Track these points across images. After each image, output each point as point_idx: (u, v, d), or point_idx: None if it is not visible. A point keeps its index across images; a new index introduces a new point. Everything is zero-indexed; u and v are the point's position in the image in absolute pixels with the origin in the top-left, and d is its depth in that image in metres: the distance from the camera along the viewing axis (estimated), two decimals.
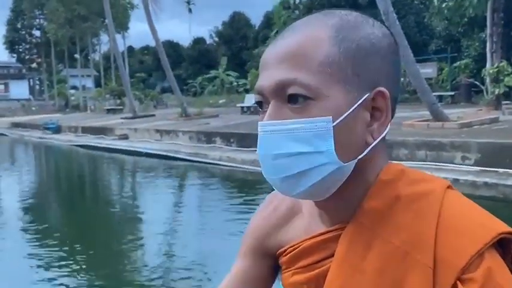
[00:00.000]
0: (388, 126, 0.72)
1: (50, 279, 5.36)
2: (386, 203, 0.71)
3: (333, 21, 0.71)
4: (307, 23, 0.72)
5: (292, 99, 0.68)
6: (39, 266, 5.73)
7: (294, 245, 0.80)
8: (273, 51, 0.71)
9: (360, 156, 0.70)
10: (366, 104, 0.70)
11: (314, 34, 0.70)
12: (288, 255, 0.81)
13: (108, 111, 30.58)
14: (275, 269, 0.89)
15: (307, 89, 0.67)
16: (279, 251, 0.84)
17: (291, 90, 0.68)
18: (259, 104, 0.73)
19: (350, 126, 0.68)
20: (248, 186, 10.08)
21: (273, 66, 0.70)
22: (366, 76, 0.70)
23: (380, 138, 0.72)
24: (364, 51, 0.70)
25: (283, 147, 0.68)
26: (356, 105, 0.69)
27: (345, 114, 0.68)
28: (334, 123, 0.67)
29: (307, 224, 0.82)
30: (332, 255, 0.73)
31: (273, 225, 0.87)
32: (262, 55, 0.74)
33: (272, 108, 0.70)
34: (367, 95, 0.70)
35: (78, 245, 6.58)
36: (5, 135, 28.86)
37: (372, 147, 0.71)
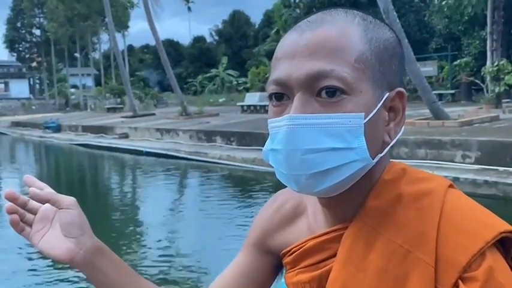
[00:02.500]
0: (403, 126, 0.73)
1: (51, 277, 5.37)
2: (389, 202, 0.71)
3: (357, 20, 0.71)
4: (333, 17, 0.71)
5: (328, 92, 0.66)
6: (39, 264, 5.73)
7: (298, 245, 0.81)
8: (301, 42, 0.68)
9: (381, 155, 0.70)
10: (385, 104, 0.71)
11: (345, 29, 0.69)
12: (293, 255, 0.81)
13: (109, 110, 30.55)
14: (276, 268, 0.89)
15: (344, 83, 0.66)
16: (284, 251, 0.84)
17: (327, 82, 0.66)
18: (276, 95, 0.70)
19: (374, 124, 0.69)
20: (248, 185, 10.08)
21: (302, 56, 0.67)
22: (388, 76, 0.71)
23: (397, 137, 0.72)
24: (388, 52, 0.71)
25: (316, 142, 0.66)
26: (381, 102, 0.69)
27: (374, 111, 0.68)
28: (365, 120, 0.67)
29: (311, 223, 0.82)
30: (335, 255, 0.73)
31: (276, 224, 0.87)
32: (281, 45, 0.72)
33: (300, 100, 0.67)
34: (388, 94, 0.70)
35: None
36: (6, 134, 28.87)
37: (383, 147, 0.71)
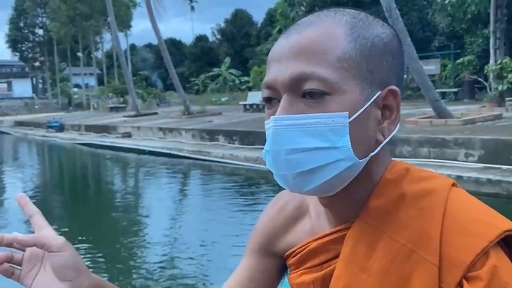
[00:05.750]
0: (398, 125, 0.73)
1: None
2: (392, 201, 0.71)
3: (346, 18, 0.71)
4: (320, 18, 0.71)
5: (309, 94, 0.67)
6: None
7: (301, 246, 0.81)
8: (287, 45, 0.70)
9: (372, 154, 0.70)
10: (378, 102, 0.70)
11: (330, 30, 0.69)
12: (296, 256, 0.81)
13: (111, 109, 30.63)
14: (281, 269, 0.89)
15: (325, 84, 0.66)
16: (287, 252, 0.84)
17: (308, 85, 0.67)
18: (268, 100, 0.72)
19: (363, 123, 0.68)
20: (251, 184, 10.09)
21: (287, 59, 0.69)
22: (379, 74, 0.70)
23: (390, 136, 0.71)
24: (378, 49, 0.70)
25: (298, 142, 0.67)
26: (370, 101, 0.69)
27: (361, 110, 0.67)
28: (350, 119, 0.67)
29: (314, 224, 0.82)
30: (338, 256, 0.73)
31: (279, 225, 0.87)
32: (272, 49, 0.73)
33: (285, 102, 0.68)
34: (379, 92, 0.70)
35: (82, 242, 6.61)
36: (9, 133, 28.95)
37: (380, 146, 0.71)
